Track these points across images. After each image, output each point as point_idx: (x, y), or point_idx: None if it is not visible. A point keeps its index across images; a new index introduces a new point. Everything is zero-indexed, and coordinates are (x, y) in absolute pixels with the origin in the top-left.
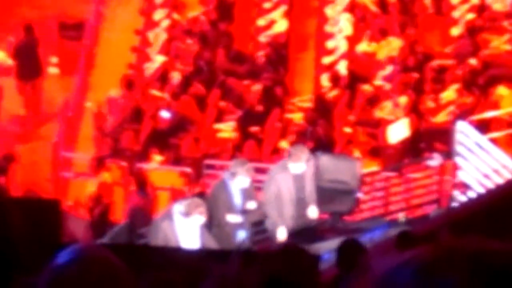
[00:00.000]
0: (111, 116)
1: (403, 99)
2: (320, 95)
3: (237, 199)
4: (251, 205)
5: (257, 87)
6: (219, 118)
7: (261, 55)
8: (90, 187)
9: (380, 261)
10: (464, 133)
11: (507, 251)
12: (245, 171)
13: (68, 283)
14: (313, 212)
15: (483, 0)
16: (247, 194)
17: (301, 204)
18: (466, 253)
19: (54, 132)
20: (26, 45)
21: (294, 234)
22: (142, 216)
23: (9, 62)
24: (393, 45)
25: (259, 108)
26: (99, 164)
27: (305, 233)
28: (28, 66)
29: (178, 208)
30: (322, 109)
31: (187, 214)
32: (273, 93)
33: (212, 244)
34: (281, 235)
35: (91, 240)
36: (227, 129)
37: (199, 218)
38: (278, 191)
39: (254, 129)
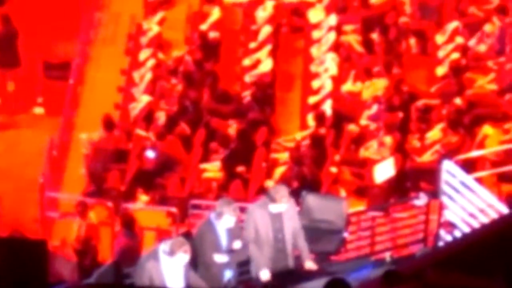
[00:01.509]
0: (93, 157)
1: (388, 139)
2: (314, 134)
3: (224, 239)
4: (237, 244)
5: (242, 126)
6: (205, 158)
7: (246, 95)
8: (77, 227)
9: None
10: (450, 172)
11: None
12: (231, 210)
13: None
14: (311, 266)
15: (468, 40)
16: (233, 234)
17: (279, 245)
18: None
19: (39, 172)
20: (5, 36)
21: (278, 274)
22: (130, 256)
23: None
24: (378, 84)
25: (245, 148)
26: (84, 207)
27: (289, 274)
28: (8, 56)
29: (163, 247)
30: (316, 148)
31: (171, 253)
32: (259, 133)
33: (198, 283)
34: (264, 276)
35: (77, 281)
36: (212, 169)
37: (183, 257)
38: (256, 229)
39: (239, 169)
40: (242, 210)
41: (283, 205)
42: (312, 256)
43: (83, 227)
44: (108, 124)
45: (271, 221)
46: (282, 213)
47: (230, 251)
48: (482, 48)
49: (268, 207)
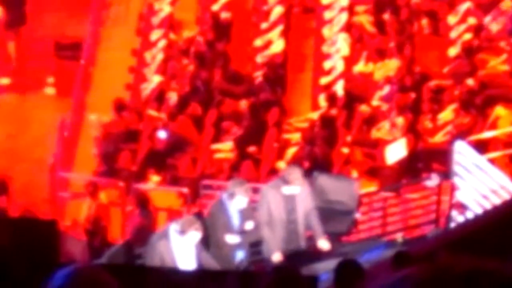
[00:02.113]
0: (104, 138)
1: (400, 120)
2: (325, 115)
3: (235, 220)
4: (249, 225)
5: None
6: (216, 138)
7: (258, 75)
8: (87, 208)
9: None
10: (462, 153)
11: (502, 270)
12: (243, 191)
13: None
14: (324, 244)
15: (481, 20)
16: (245, 215)
17: (291, 226)
18: (461, 272)
19: (50, 152)
20: None
21: (290, 255)
22: (143, 235)
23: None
24: (390, 65)
25: (256, 128)
26: (94, 188)
27: (301, 254)
28: (15, 14)
29: (174, 227)
30: (326, 128)
31: (182, 231)
32: (270, 114)
33: (210, 263)
34: (276, 257)
35: (88, 261)
36: (224, 149)
37: (195, 235)
38: (269, 210)
39: (251, 149)
40: (254, 190)
41: (296, 187)
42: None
43: (93, 207)
44: (119, 106)
45: (283, 202)
46: (295, 194)
47: (242, 232)
48: (495, 27)
49: (281, 189)
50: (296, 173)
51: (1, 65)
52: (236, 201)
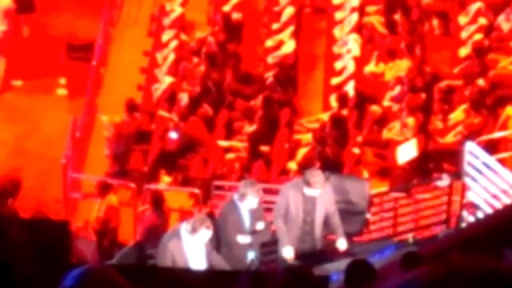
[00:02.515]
0: (116, 139)
1: (411, 120)
2: (336, 115)
3: (247, 220)
4: (260, 225)
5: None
6: (227, 139)
7: (269, 76)
8: (97, 208)
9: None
10: (473, 153)
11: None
12: (255, 191)
13: None
14: (342, 245)
15: (491, 20)
16: (256, 215)
17: (307, 227)
18: (471, 272)
19: (62, 153)
20: None
21: (301, 255)
22: (156, 235)
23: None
24: (401, 66)
25: (267, 129)
26: (104, 187)
27: (312, 254)
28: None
29: (185, 226)
30: (337, 129)
31: (193, 230)
32: (282, 114)
33: (220, 263)
34: (287, 252)
35: (99, 262)
36: (235, 149)
37: (206, 233)
38: (287, 208)
39: (262, 150)
40: (265, 191)
41: (316, 190)
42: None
43: (102, 207)
44: (131, 107)
45: (303, 203)
46: (316, 196)
47: (253, 232)
48: (506, 26)
49: (303, 189)
50: (318, 176)
51: (13, 67)
52: (247, 201)
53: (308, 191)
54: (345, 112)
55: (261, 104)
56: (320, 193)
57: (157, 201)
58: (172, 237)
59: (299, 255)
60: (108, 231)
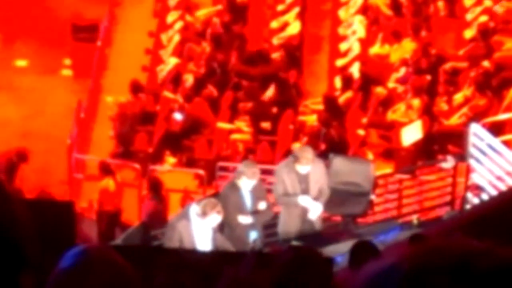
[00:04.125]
0: (121, 120)
1: (416, 102)
2: (330, 96)
3: (248, 200)
4: (262, 205)
5: (270, 89)
6: (232, 120)
7: (274, 57)
8: (99, 189)
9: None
10: (477, 135)
11: (494, 252)
12: (250, 173)
13: (72, 285)
14: (316, 209)
15: (497, 2)
16: (258, 195)
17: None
18: (452, 255)
19: (67, 134)
20: None
21: (305, 236)
22: (156, 219)
23: None
24: (406, 47)
25: (272, 110)
26: (102, 169)
27: (317, 236)
28: None
29: (195, 209)
30: (332, 110)
31: (203, 214)
32: (286, 95)
33: (224, 243)
34: (304, 201)
35: (101, 242)
36: (238, 130)
37: (216, 217)
38: (284, 186)
39: (267, 131)
40: (270, 172)
41: (306, 166)
42: (339, 218)
43: (104, 187)
44: (135, 88)
45: (297, 181)
46: (308, 174)
47: (255, 212)
48: None
49: (294, 167)
50: (307, 152)
51: (19, 47)
52: (242, 182)
53: (299, 168)
54: (349, 93)
55: (266, 85)
56: (312, 170)
57: (155, 186)
58: (181, 218)
59: (302, 237)
60: (103, 214)
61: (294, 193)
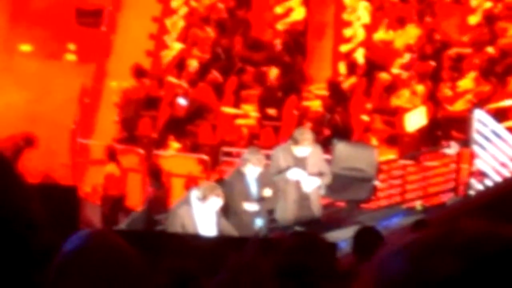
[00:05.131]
0: (125, 105)
1: (420, 87)
2: (334, 82)
3: (253, 187)
4: (267, 192)
5: (274, 72)
6: (236, 105)
7: (278, 43)
8: (103, 173)
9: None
10: (481, 121)
11: (505, 235)
12: (255, 160)
13: (76, 269)
14: (310, 182)
15: None
16: (264, 181)
17: (302, 191)
18: (462, 237)
19: (71, 119)
20: None
21: (308, 223)
22: (157, 205)
23: None
24: (410, 33)
25: (277, 95)
26: (111, 153)
27: (319, 222)
28: None
29: (195, 193)
30: (336, 96)
31: (203, 198)
32: (291, 81)
33: (228, 229)
34: (293, 174)
35: (105, 227)
36: (243, 115)
37: (216, 201)
38: (278, 168)
39: (271, 116)
40: None
41: (306, 148)
42: (342, 203)
43: (110, 172)
44: (138, 72)
45: (294, 164)
46: (306, 158)
47: (260, 199)
48: None
49: (292, 150)
50: (307, 134)
51: (23, 32)
52: (248, 169)
53: (297, 151)
54: (354, 79)
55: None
56: (310, 153)
57: (155, 173)
58: (182, 204)
59: (304, 224)
60: (108, 198)
61: (290, 177)
